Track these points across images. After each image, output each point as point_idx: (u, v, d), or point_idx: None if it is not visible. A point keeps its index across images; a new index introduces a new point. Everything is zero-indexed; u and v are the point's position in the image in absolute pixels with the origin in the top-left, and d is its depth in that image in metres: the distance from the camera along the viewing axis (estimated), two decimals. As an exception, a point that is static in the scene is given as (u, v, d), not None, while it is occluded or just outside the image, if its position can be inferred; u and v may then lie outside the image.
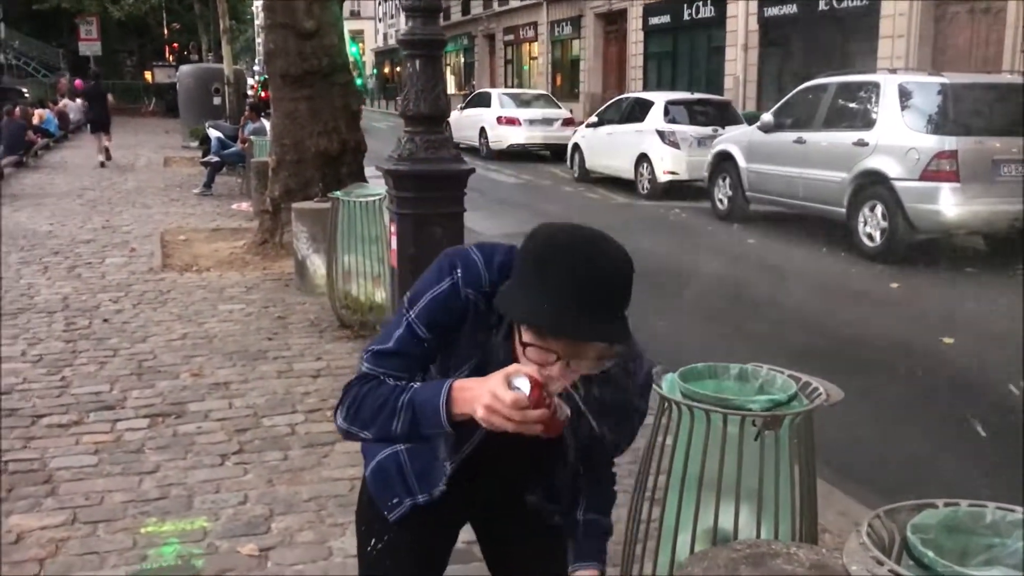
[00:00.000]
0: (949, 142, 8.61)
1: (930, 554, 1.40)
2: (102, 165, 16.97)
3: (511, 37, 39.10)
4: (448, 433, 1.51)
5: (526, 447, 1.55)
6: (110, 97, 20.95)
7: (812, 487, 2.34)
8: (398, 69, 57.09)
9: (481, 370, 1.50)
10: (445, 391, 1.45)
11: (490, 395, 1.37)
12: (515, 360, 1.47)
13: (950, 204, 8.62)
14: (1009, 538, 1.56)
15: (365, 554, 1.86)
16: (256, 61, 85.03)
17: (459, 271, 1.53)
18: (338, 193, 6.32)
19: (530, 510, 1.76)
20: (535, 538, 1.81)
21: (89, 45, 33.55)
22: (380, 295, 6.16)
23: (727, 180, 11.81)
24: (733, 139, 12.11)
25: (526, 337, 1.43)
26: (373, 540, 1.82)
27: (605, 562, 1.78)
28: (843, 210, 9.64)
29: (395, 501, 1.73)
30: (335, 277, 6.21)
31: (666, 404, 2.32)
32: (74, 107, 27.30)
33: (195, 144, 18.38)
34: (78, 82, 31.83)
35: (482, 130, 20.48)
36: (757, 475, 2.19)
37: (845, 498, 3.76)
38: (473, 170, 4.59)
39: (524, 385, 1.38)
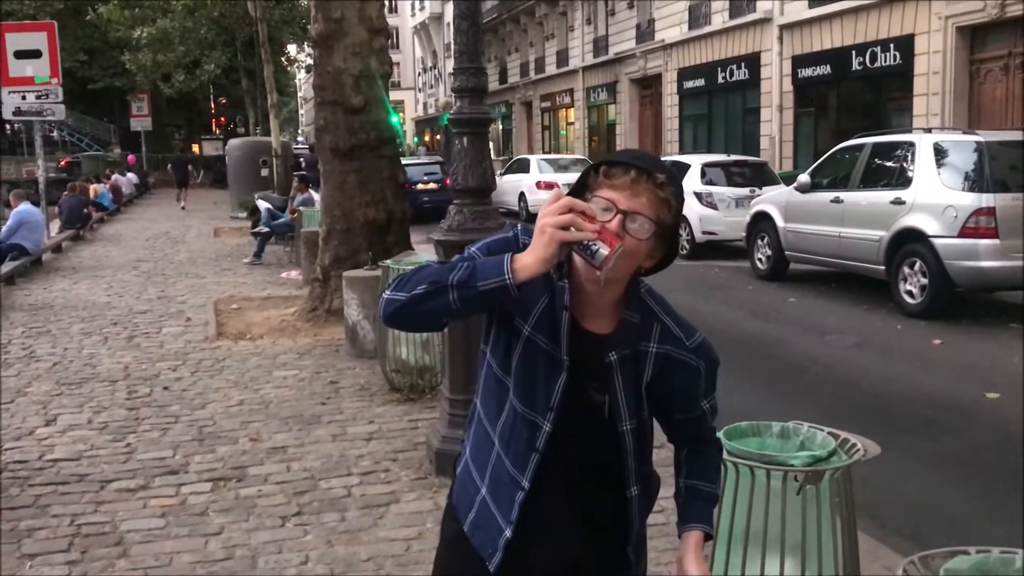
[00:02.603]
0: (987, 199, 8.68)
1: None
2: (183, 208, 25.06)
3: (548, 104, 39.82)
4: (511, 299, 1.62)
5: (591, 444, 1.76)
6: (189, 167, 31.28)
7: (853, 539, 2.44)
8: (438, 137, 58.19)
9: (548, 315, 1.71)
10: (509, 254, 1.61)
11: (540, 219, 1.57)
12: (574, 304, 1.71)
13: (990, 260, 8.66)
14: (1038, 582, 1.68)
15: None
16: (300, 132, 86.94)
17: (519, 226, 1.78)
18: (388, 261, 6.55)
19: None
20: None
21: (141, 121, 34.78)
22: (428, 358, 6.35)
23: (766, 240, 11.93)
24: (770, 199, 12.25)
25: (595, 192, 1.67)
26: None
27: (711, 524, 1.90)
28: (882, 268, 9.70)
29: (492, 549, 1.82)
30: (385, 342, 6.41)
31: (711, 461, 2.46)
32: (125, 181, 28.22)
33: (243, 215, 18.92)
34: (131, 157, 32.93)
35: (521, 195, 20.86)
36: (800, 528, 2.31)
37: (891, 553, 3.81)
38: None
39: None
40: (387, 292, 1.69)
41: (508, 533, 1.79)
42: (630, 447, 1.78)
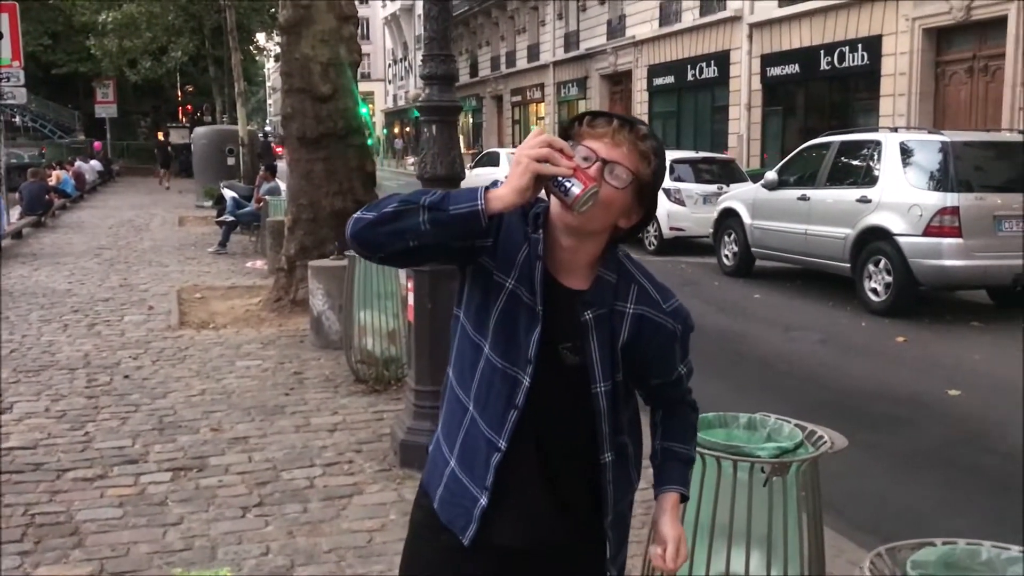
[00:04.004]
0: (951, 198, 8.77)
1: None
2: (167, 188, 28.16)
3: (518, 98, 39.78)
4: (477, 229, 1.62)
5: (570, 414, 1.75)
6: (170, 150, 35.50)
7: (819, 532, 2.44)
8: (407, 129, 57.96)
9: (527, 267, 1.71)
10: (483, 186, 1.63)
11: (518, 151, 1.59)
12: (552, 259, 1.72)
13: (953, 259, 8.76)
14: (1004, 574, 1.67)
15: None
16: (267, 122, 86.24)
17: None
18: (354, 251, 6.48)
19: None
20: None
21: (105, 108, 34.27)
22: (394, 349, 6.30)
23: (732, 236, 11.99)
24: (738, 196, 12.31)
25: (577, 142, 1.68)
26: None
27: (688, 486, 1.89)
28: (847, 265, 9.78)
29: (464, 522, 1.78)
30: (351, 332, 6.35)
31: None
32: (88, 168, 27.80)
33: (209, 204, 18.71)
34: (97, 144, 32.47)
35: (491, 188, 20.77)
36: (767, 521, 2.29)
37: (855, 548, 3.83)
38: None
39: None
40: (357, 213, 1.68)
41: (484, 500, 1.76)
42: (604, 409, 1.75)
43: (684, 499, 1.88)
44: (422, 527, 1.90)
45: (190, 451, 4.93)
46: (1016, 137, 10.48)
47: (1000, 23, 15.81)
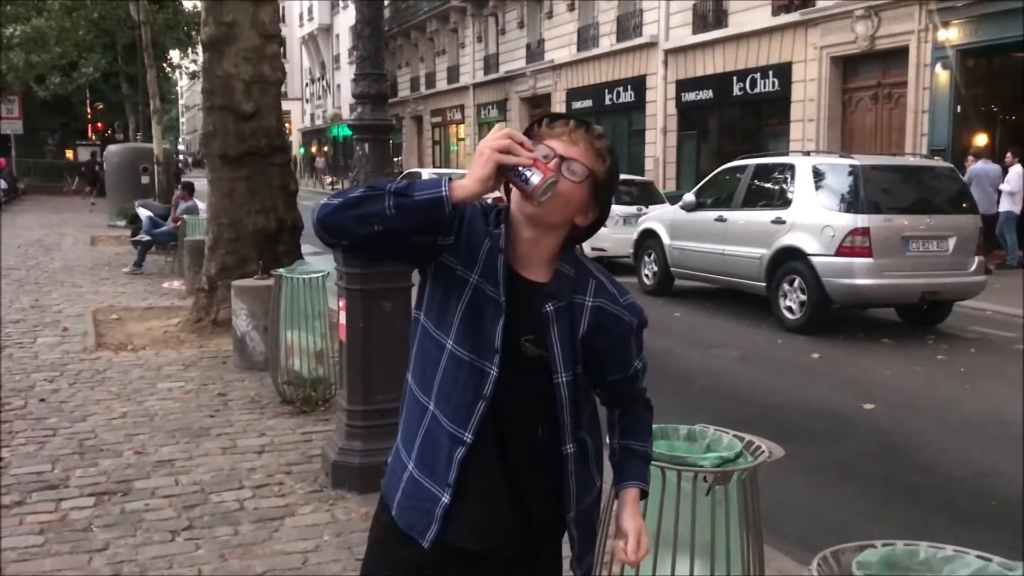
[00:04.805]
0: (862, 220, 9.12)
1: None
2: (93, 205, 26.20)
3: (439, 119, 39.87)
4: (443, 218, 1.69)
5: (534, 412, 1.80)
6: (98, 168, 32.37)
7: (759, 539, 2.52)
8: (326, 148, 57.46)
9: (490, 262, 1.77)
10: (446, 178, 1.71)
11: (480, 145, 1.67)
12: (513, 252, 1.79)
13: (864, 278, 9.09)
14: (941, 572, 1.76)
15: None
16: (180, 140, 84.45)
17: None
18: (282, 270, 6.42)
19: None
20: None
21: (10, 124, 33.08)
22: (322, 370, 6.24)
23: (652, 256, 12.22)
24: (657, 217, 12.57)
25: (538, 139, 1.77)
26: None
27: (647, 481, 1.95)
28: (763, 284, 10.06)
29: (425, 525, 1.80)
30: (277, 353, 6.27)
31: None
32: (-8, 186, 26.80)
33: (122, 223, 18.22)
34: (1, 161, 31.32)
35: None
36: (709, 529, 2.36)
37: (781, 556, 3.94)
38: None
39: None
40: (323, 200, 1.75)
41: (446, 498, 1.78)
42: (565, 400, 1.80)
43: (644, 495, 1.93)
44: (379, 543, 1.90)
45: (113, 475, 4.80)
46: (919, 161, 10.96)
47: (902, 53, 16.55)
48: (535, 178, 1.67)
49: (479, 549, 1.81)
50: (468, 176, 1.66)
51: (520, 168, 1.66)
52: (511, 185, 1.73)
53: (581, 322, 1.81)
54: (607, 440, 2.01)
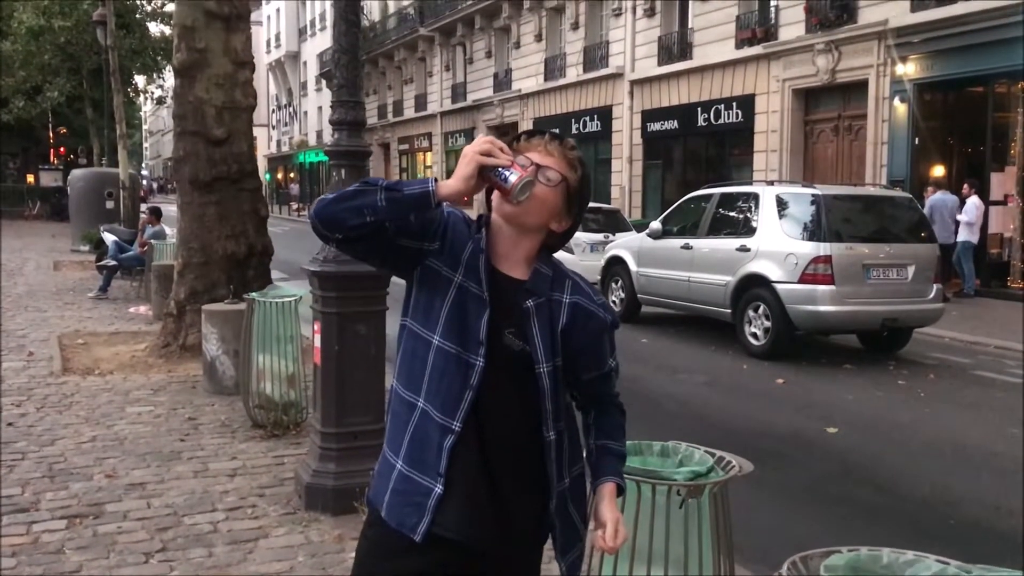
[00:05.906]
0: (824, 248, 9.32)
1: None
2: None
3: (406, 147, 40.05)
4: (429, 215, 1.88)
5: (518, 410, 1.92)
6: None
7: (730, 552, 2.60)
8: (291, 175, 57.33)
9: (473, 262, 1.92)
10: (433, 177, 1.86)
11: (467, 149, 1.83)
12: (494, 251, 1.95)
13: (827, 305, 9.28)
14: (904, 574, 1.86)
15: None
16: (144, 165, 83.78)
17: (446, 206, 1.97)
18: (255, 294, 6.45)
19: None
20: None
21: (-30, 147, 32.69)
22: (293, 394, 6.26)
23: (619, 283, 12.37)
24: (624, 245, 12.73)
25: (517, 152, 1.92)
26: None
27: (623, 478, 2.06)
28: (729, 311, 10.22)
29: (417, 518, 1.88)
30: (248, 378, 6.28)
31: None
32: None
33: (86, 248, 18.06)
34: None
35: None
36: (682, 541, 2.44)
37: (748, 574, 4.03)
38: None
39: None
40: (320, 196, 1.91)
41: (439, 488, 1.87)
42: (547, 389, 1.92)
43: (620, 491, 2.04)
44: (367, 556, 1.97)
45: (85, 498, 4.78)
46: (880, 191, 11.24)
47: (862, 86, 16.97)
48: (513, 177, 1.84)
49: (462, 540, 1.89)
50: (453, 176, 1.82)
51: (500, 169, 1.83)
52: (492, 187, 1.89)
53: (560, 316, 1.95)
54: (583, 440, 2.12)
